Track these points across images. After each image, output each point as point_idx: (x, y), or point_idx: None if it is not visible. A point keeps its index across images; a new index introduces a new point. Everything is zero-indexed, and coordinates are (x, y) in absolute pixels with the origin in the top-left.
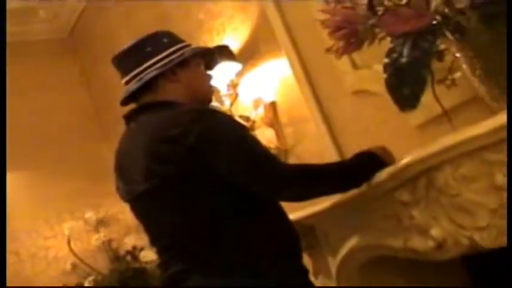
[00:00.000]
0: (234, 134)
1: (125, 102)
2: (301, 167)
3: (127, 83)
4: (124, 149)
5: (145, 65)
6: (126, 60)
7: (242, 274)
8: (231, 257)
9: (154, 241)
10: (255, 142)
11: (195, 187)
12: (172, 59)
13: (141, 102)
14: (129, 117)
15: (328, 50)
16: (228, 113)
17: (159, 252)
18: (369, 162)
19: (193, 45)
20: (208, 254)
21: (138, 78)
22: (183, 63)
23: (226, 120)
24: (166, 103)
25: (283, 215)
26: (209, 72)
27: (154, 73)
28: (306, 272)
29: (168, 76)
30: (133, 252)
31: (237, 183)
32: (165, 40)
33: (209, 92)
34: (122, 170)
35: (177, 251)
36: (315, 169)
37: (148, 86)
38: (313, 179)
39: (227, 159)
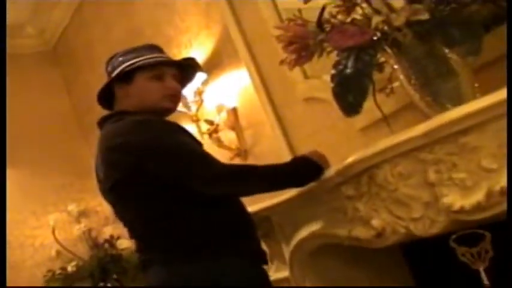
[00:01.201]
0: (168, 142)
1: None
2: (234, 168)
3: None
4: (96, 152)
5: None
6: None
7: (199, 259)
8: (187, 245)
9: (127, 230)
10: (189, 146)
11: (145, 187)
12: (117, 74)
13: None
14: (99, 124)
15: (282, 62)
16: (194, 118)
17: (133, 240)
18: (302, 166)
19: (146, 59)
20: (166, 244)
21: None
22: (128, 77)
23: (161, 128)
24: (120, 113)
25: (236, 203)
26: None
27: (104, 88)
28: (263, 253)
29: (117, 90)
30: (111, 241)
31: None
32: (120, 59)
33: (160, 101)
34: (96, 170)
35: (141, 242)
36: (248, 170)
37: (111, 99)
38: (243, 179)
39: (163, 164)
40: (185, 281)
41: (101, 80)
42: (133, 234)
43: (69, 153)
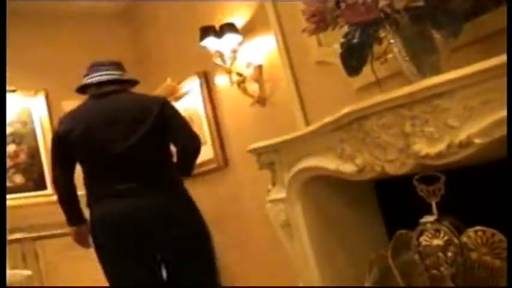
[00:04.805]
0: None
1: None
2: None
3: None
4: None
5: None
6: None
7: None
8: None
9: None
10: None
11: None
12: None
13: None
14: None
15: (303, 30)
16: (228, 70)
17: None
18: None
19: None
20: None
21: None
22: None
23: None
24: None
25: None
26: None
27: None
28: None
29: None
30: None
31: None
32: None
33: None
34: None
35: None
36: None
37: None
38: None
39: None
40: (188, 197)
41: (163, 37)
42: (140, 172)
43: None
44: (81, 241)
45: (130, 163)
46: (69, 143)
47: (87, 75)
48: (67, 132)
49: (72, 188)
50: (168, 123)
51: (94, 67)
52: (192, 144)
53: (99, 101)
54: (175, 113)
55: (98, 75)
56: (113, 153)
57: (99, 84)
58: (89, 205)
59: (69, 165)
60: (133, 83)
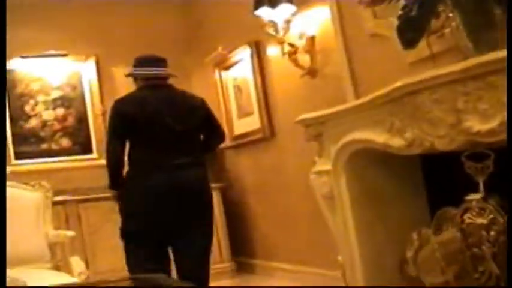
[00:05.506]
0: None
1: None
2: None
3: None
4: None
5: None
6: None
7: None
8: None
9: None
10: None
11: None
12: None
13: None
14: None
15: (359, 2)
16: (281, 40)
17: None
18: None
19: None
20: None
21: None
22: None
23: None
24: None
25: None
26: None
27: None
28: None
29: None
30: None
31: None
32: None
33: None
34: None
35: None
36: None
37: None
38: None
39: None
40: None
41: (216, 5)
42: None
43: (174, 59)
44: (117, 198)
45: (182, 143)
46: (127, 121)
47: (135, 66)
48: (128, 111)
49: (122, 158)
50: (207, 119)
51: (144, 61)
52: (220, 141)
53: (151, 91)
54: (211, 111)
55: (154, 70)
56: (169, 133)
57: (147, 77)
58: (132, 175)
59: (123, 139)
60: (173, 75)
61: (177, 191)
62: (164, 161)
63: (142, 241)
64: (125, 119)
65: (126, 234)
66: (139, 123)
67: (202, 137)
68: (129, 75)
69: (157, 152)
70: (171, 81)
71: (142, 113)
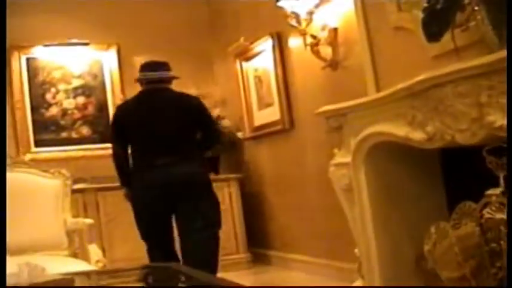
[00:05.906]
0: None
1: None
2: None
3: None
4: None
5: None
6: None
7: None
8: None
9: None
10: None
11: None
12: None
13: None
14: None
15: None
16: (303, 32)
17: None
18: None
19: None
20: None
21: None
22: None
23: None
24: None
25: None
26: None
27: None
28: None
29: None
30: (217, 119)
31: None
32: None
33: None
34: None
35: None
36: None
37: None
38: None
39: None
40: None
41: None
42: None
43: (195, 49)
44: (129, 198)
45: (169, 144)
46: (121, 128)
47: (141, 71)
48: (122, 118)
49: (126, 160)
50: (201, 120)
51: (146, 67)
52: (212, 144)
53: (150, 95)
54: (207, 112)
55: (150, 74)
56: (157, 136)
57: (149, 81)
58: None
59: (122, 142)
60: (175, 78)
61: (165, 185)
62: (153, 161)
63: (149, 232)
64: (119, 126)
65: (138, 228)
66: (131, 129)
67: (200, 135)
68: (137, 80)
69: (147, 153)
70: (185, 81)
71: (133, 121)
